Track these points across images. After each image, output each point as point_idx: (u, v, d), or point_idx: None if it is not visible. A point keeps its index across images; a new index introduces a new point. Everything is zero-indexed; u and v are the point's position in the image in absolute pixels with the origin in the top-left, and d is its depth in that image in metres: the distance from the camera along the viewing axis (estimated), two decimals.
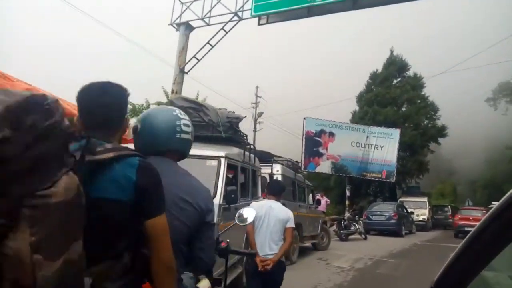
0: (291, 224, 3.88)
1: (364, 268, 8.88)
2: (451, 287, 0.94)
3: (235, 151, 5.31)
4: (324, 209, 17.38)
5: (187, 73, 12.35)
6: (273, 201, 4.00)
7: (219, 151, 4.71)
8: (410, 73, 29.56)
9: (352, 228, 15.03)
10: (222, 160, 4.57)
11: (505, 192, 0.79)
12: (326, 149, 23.42)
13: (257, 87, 26.74)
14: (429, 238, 18.07)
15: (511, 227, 0.77)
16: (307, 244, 10.65)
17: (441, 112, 27.80)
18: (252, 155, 6.17)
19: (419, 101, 27.74)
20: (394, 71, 29.08)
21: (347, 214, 15.60)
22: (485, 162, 69.56)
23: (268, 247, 3.72)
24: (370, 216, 18.24)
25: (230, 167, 4.91)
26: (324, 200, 17.47)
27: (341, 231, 14.46)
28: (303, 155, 22.85)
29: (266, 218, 3.85)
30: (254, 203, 4.24)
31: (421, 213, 22.63)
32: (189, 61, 12.21)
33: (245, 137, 6.25)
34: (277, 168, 8.33)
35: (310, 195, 10.98)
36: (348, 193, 23.39)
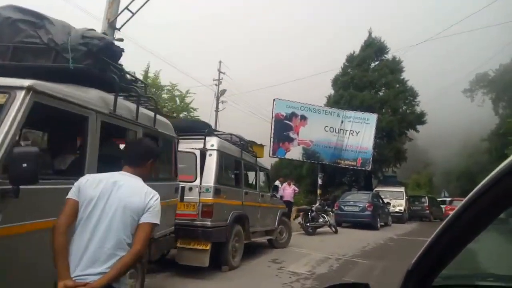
0: (151, 218, 1.98)
1: (327, 273, 6.86)
2: (428, 269, 1.00)
3: (92, 94, 3.07)
4: (291, 198, 15.42)
5: (119, 29, 9.92)
6: (126, 175, 2.06)
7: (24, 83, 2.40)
8: (389, 56, 27.85)
9: (321, 220, 13.09)
10: (23, 95, 2.30)
11: (479, 183, 0.83)
12: (297, 134, 21.43)
13: (220, 62, 24.43)
14: (406, 231, 16.40)
15: (486, 213, 0.80)
16: (262, 240, 8.57)
17: (420, 98, 26.28)
18: (147, 113, 3.98)
19: (397, 85, 26.03)
20: (372, 53, 27.24)
21: (316, 205, 13.66)
22: (460, 153, 70.06)
23: (91, 260, 1.88)
24: (342, 207, 16.39)
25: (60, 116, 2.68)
26: (291, 189, 15.51)
27: (308, 224, 12.50)
28: (271, 140, 20.82)
29: (102, 202, 1.96)
30: (83, 178, 2.07)
31: (398, 204, 21.04)
32: (120, 13, 9.78)
33: (137, 83, 4.02)
34: (212, 142, 6.15)
35: (264, 180, 8.81)
36: (320, 182, 21.53)
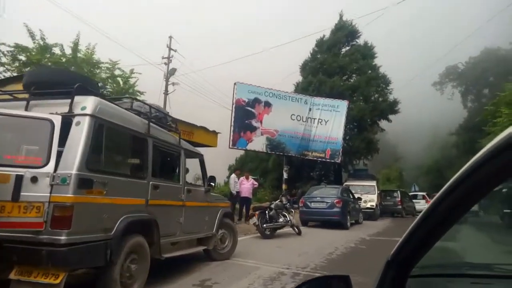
0: None
1: None
2: (407, 259, 1.03)
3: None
4: (250, 194, 13.25)
5: None
6: None
7: None
8: (361, 41, 26.08)
9: (281, 220, 10.95)
10: None
11: (447, 178, 0.89)
12: (261, 122, 19.26)
13: (170, 37, 21.54)
14: (379, 230, 14.56)
15: (462, 204, 0.82)
16: (191, 252, 6.25)
17: (393, 85, 24.64)
18: None
19: (369, 71, 24.27)
20: (343, 37, 25.38)
21: (276, 202, 11.52)
22: (429, 148, 70.45)
23: None
24: (308, 203, 14.35)
25: None
26: (249, 183, 13.33)
27: (264, 225, 10.32)
28: (232, 129, 18.54)
29: None
30: None
31: (370, 199, 19.33)
32: None
33: None
34: (84, 104, 3.78)
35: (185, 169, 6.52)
36: (285, 175, 19.48)
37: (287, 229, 11.58)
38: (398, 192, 24.31)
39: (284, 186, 19.19)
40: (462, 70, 50.35)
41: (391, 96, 24.26)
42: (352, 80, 24.29)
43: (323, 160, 20.64)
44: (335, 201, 13.82)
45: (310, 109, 20.37)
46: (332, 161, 20.85)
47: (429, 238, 0.95)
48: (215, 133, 13.62)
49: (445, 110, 55.94)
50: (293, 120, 19.85)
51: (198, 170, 6.72)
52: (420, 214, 0.93)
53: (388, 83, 24.48)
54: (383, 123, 25.30)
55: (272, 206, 11.10)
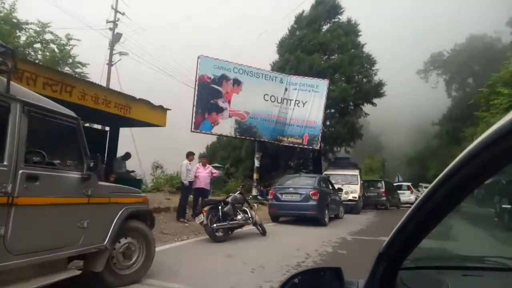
0: None
1: None
2: (399, 251, 1.03)
3: None
4: (207, 185, 10.81)
5: None
6: None
7: None
8: (343, 18, 23.67)
9: (240, 217, 8.51)
10: None
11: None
12: (229, 103, 16.74)
13: None
14: (362, 226, 12.33)
15: (455, 195, 0.82)
16: (52, 281, 3.70)
17: (379, 66, 22.32)
18: None
19: (353, 49, 21.90)
20: (324, 12, 22.87)
21: (235, 194, 9.08)
22: (411, 138, 69.35)
23: None
24: (279, 195, 11.97)
25: None
26: (206, 171, 10.87)
27: (214, 225, 7.86)
28: (194, 109, 15.97)
29: None
30: None
31: (352, 190, 17.16)
32: None
33: None
34: None
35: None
36: (257, 163, 17.06)
37: (250, 228, 9.20)
38: (383, 182, 22.27)
39: (255, 176, 16.80)
40: (447, 58, 48.66)
41: (376, 78, 22.02)
42: (333, 58, 21.83)
43: (300, 146, 18.27)
44: (310, 192, 11.49)
45: (286, 89, 17.96)
46: (310, 147, 18.52)
47: (421, 230, 0.95)
48: (162, 110, 11.01)
49: (429, 99, 54.47)
50: (267, 101, 17.40)
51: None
52: (413, 205, 0.93)
53: (373, 63, 22.17)
54: (367, 108, 23.09)
55: (229, 199, 8.66)
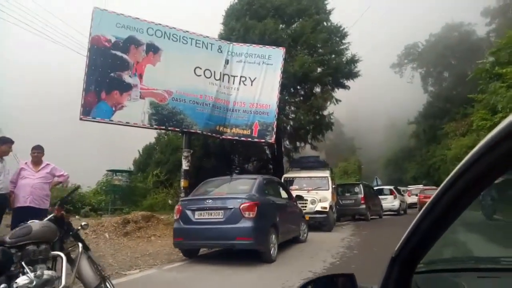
0: None
1: None
2: (411, 255, 1.00)
3: None
4: (42, 200, 5.51)
5: None
6: None
7: None
8: None
9: (23, 282, 3.33)
10: None
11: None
12: (140, 77, 11.57)
13: None
14: (334, 257, 7.29)
15: (466, 195, 0.80)
16: None
17: (350, 38, 17.53)
18: None
19: (317, 15, 17.10)
20: None
21: (30, 224, 4.04)
22: (387, 139, 66.12)
23: None
24: (189, 214, 6.83)
25: None
26: (40, 174, 5.57)
27: None
28: (84, 86, 10.72)
29: None
30: None
31: (321, 198, 12.30)
32: None
33: None
34: None
35: None
36: (185, 165, 11.90)
37: None
38: (361, 186, 17.58)
39: (182, 183, 11.64)
40: (422, 50, 45.25)
41: (349, 53, 17.27)
42: (293, 28, 16.88)
43: (249, 139, 13.24)
44: (242, 206, 6.46)
45: (227, 61, 12.99)
46: (263, 141, 13.50)
47: (434, 232, 0.93)
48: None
49: (404, 96, 51.16)
50: (199, 76, 12.35)
51: None
52: (423, 208, 0.91)
53: (343, 36, 17.47)
54: (338, 94, 18.31)
55: (7, 239, 3.46)
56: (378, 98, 61.00)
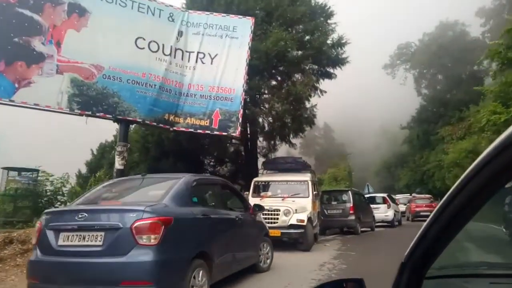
0: None
1: None
2: (421, 260, 0.99)
3: None
4: None
5: None
6: None
7: None
8: None
9: None
10: None
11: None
12: (58, 46, 8.70)
13: None
14: None
15: (476, 199, 0.79)
16: None
17: (337, 18, 14.76)
18: None
19: None
20: None
21: None
22: (378, 145, 63.86)
23: None
24: (49, 236, 3.97)
25: None
26: None
27: None
28: None
29: None
30: None
31: (297, 208, 9.47)
32: None
33: None
34: None
35: None
36: (118, 164, 9.01)
37: None
38: (349, 193, 14.78)
39: None
40: (415, 50, 43.07)
41: (335, 35, 14.49)
42: None
43: (207, 132, 10.40)
44: (134, 225, 3.62)
45: (181, 33, 10.22)
46: (224, 134, 10.65)
47: (443, 237, 0.93)
48: None
49: (397, 98, 48.86)
50: (142, 49, 9.56)
51: None
52: (432, 213, 0.90)
53: (329, 15, 14.71)
54: (324, 85, 15.54)
55: None
56: (369, 102, 58.68)
